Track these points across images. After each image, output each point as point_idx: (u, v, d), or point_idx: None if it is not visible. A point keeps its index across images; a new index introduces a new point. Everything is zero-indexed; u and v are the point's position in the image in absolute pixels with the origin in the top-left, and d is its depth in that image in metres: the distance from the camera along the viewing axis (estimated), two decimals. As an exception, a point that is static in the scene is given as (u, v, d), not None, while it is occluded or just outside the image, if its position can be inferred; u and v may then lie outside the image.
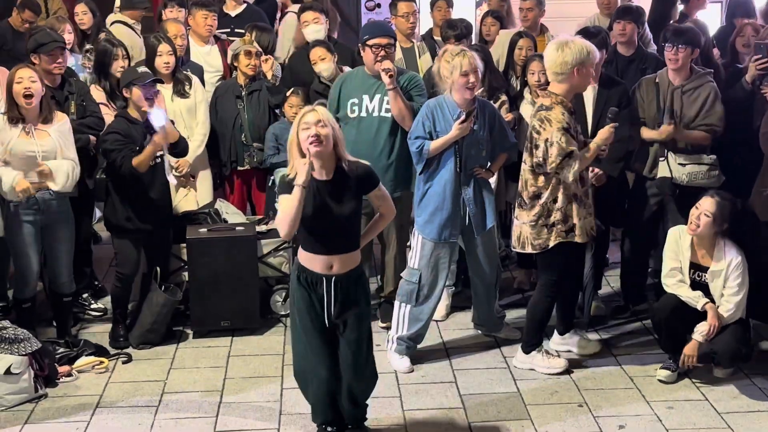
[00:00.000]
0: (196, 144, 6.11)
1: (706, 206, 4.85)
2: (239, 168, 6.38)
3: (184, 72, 6.17)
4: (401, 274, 5.36)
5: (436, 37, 7.04)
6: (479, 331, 5.64)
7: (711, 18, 7.53)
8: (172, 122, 5.52)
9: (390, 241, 5.66)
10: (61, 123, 5.24)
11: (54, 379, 5.08)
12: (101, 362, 5.29)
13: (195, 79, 6.21)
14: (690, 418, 4.67)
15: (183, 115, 6.06)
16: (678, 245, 4.99)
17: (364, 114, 5.46)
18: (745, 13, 7.16)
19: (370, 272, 5.80)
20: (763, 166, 5.23)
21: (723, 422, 4.62)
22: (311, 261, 4.18)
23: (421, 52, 6.82)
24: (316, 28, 6.57)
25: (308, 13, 6.62)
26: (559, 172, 4.84)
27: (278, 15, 8.10)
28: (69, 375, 5.15)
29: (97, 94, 5.96)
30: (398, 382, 5.02)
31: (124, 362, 5.36)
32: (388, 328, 5.39)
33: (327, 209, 4.10)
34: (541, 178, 4.92)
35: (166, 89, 5.94)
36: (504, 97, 5.99)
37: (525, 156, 5.00)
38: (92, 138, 5.69)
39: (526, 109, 6.04)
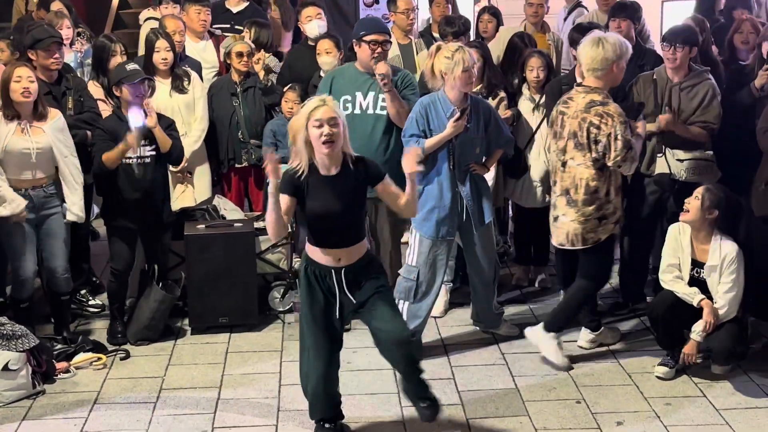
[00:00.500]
0: (194, 139, 6.10)
1: (695, 192, 4.89)
2: (237, 165, 6.38)
3: (183, 68, 6.16)
4: (399, 272, 5.35)
5: (434, 34, 7.02)
6: (477, 328, 5.64)
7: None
8: (173, 124, 5.49)
9: (384, 238, 5.66)
10: (55, 120, 5.22)
11: (52, 376, 5.08)
12: (99, 358, 5.28)
13: (194, 75, 6.19)
14: (688, 414, 4.67)
15: (181, 111, 6.04)
16: (677, 242, 4.99)
17: (357, 111, 5.44)
18: (744, 6, 7.16)
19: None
20: (761, 162, 5.24)
21: (721, 419, 4.62)
22: (319, 255, 4.17)
23: (419, 48, 6.80)
24: (319, 23, 6.57)
25: (310, 8, 6.61)
26: (621, 165, 4.92)
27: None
28: (67, 371, 5.15)
29: (95, 90, 5.95)
30: (396, 378, 5.02)
31: (122, 358, 5.36)
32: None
33: (333, 204, 4.09)
34: (597, 173, 4.97)
35: (164, 85, 5.94)
36: (503, 94, 5.98)
37: (574, 153, 5.00)
38: (89, 133, 5.67)
39: (524, 106, 6.04)
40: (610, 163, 4.92)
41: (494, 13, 7.19)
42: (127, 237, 5.48)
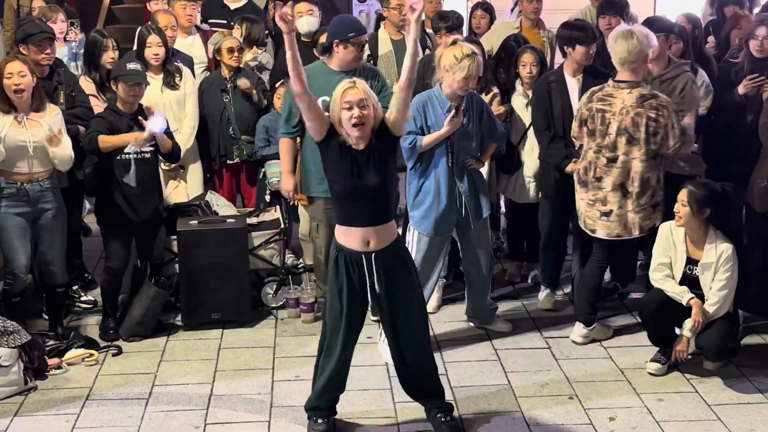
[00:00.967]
0: (185, 137, 6.09)
1: (680, 197, 4.91)
2: (229, 162, 6.36)
3: (176, 63, 6.15)
4: None
5: (427, 30, 7.01)
6: (471, 324, 5.64)
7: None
8: (169, 133, 5.52)
9: None
10: (53, 114, 5.21)
11: (44, 372, 5.06)
12: (91, 354, 5.27)
13: (186, 71, 6.18)
14: (680, 410, 4.68)
15: (172, 107, 6.04)
16: (669, 241, 4.98)
17: None
18: (735, 3, 7.16)
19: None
20: (760, 157, 5.26)
21: (713, 414, 4.63)
22: (348, 237, 4.18)
23: (412, 43, 6.79)
24: (309, 20, 6.55)
25: (302, 4, 6.59)
26: (679, 151, 5.10)
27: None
28: (59, 367, 5.14)
29: (87, 85, 5.93)
30: (389, 374, 5.02)
31: (114, 354, 5.35)
32: (379, 321, 5.37)
33: (362, 178, 4.12)
34: (651, 163, 5.06)
35: (155, 80, 5.92)
36: (495, 90, 5.98)
37: (627, 148, 5.04)
38: (81, 128, 5.65)
39: (517, 102, 6.03)
40: (669, 151, 5.08)
41: (487, 8, 7.17)
42: (123, 235, 5.47)
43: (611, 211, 5.16)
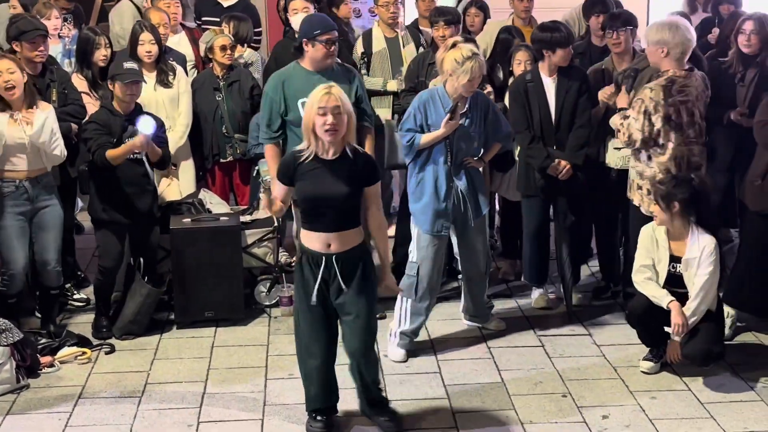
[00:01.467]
0: (178, 135, 6.08)
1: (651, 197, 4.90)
2: (222, 160, 6.35)
3: (170, 61, 6.13)
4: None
5: (422, 28, 7.01)
6: (466, 322, 5.63)
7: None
8: (163, 125, 5.49)
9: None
10: (46, 112, 5.19)
11: (36, 370, 5.05)
12: (84, 353, 5.26)
13: (179, 69, 6.16)
14: (673, 408, 4.69)
15: (165, 105, 6.02)
16: (653, 241, 4.94)
17: None
18: (730, 2, 7.16)
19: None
20: (755, 156, 5.26)
21: (706, 412, 4.64)
22: (310, 239, 4.21)
23: (406, 42, 6.79)
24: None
25: (297, 1, 6.58)
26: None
27: None
28: (51, 366, 5.12)
29: (79, 83, 5.91)
30: (383, 372, 5.02)
31: (107, 353, 5.34)
32: (381, 318, 5.31)
33: (326, 189, 4.13)
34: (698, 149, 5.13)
35: (149, 78, 5.90)
36: (489, 88, 5.97)
37: (674, 136, 5.03)
38: (74, 126, 5.64)
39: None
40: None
41: (481, 6, 7.15)
42: (116, 233, 5.44)
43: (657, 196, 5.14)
